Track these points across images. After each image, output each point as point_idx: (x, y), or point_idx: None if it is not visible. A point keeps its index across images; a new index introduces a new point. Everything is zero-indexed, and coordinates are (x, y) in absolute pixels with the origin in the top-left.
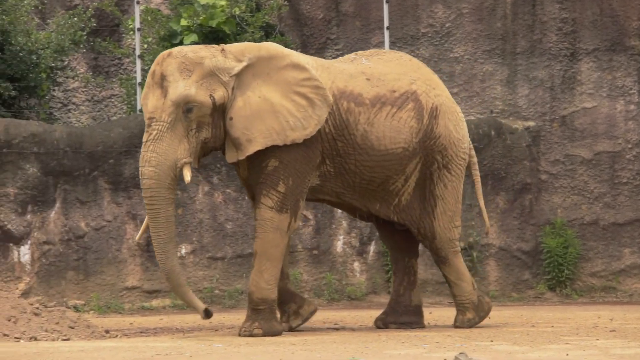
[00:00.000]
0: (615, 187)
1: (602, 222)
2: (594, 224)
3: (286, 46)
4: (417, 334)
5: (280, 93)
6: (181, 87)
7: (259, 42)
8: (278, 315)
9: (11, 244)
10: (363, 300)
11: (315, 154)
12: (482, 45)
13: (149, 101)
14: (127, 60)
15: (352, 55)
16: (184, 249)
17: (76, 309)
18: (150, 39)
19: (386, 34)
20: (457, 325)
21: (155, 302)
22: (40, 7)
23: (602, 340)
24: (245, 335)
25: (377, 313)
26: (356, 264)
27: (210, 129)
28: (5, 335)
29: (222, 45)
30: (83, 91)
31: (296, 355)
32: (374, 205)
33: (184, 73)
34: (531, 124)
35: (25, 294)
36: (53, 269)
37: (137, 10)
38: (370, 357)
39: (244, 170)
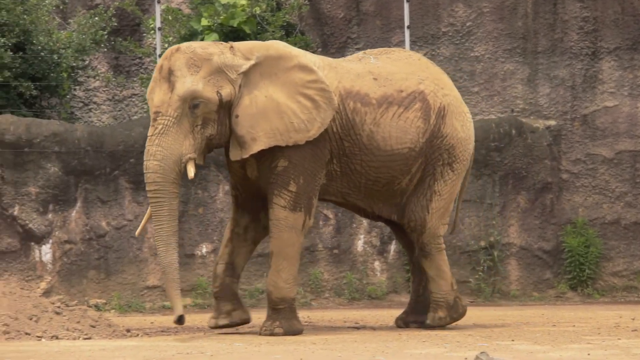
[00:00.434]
0: (637, 186)
1: (624, 221)
2: (616, 223)
3: (307, 46)
4: (437, 333)
5: (287, 94)
6: (188, 82)
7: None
8: (298, 315)
9: (33, 243)
10: (384, 299)
11: (324, 152)
12: (503, 44)
13: (155, 95)
14: (148, 59)
15: (360, 54)
16: (204, 248)
17: (97, 308)
18: (171, 39)
19: (407, 33)
20: (427, 322)
21: None
22: (61, 7)
23: (623, 340)
24: (266, 335)
25: (397, 312)
26: (377, 263)
27: (216, 126)
28: (27, 334)
29: (231, 43)
30: (104, 90)
31: (317, 355)
32: (378, 205)
33: (191, 69)
34: (552, 123)
35: (46, 293)
36: (74, 268)
37: (158, 9)
38: (391, 356)
39: (252, 170)
